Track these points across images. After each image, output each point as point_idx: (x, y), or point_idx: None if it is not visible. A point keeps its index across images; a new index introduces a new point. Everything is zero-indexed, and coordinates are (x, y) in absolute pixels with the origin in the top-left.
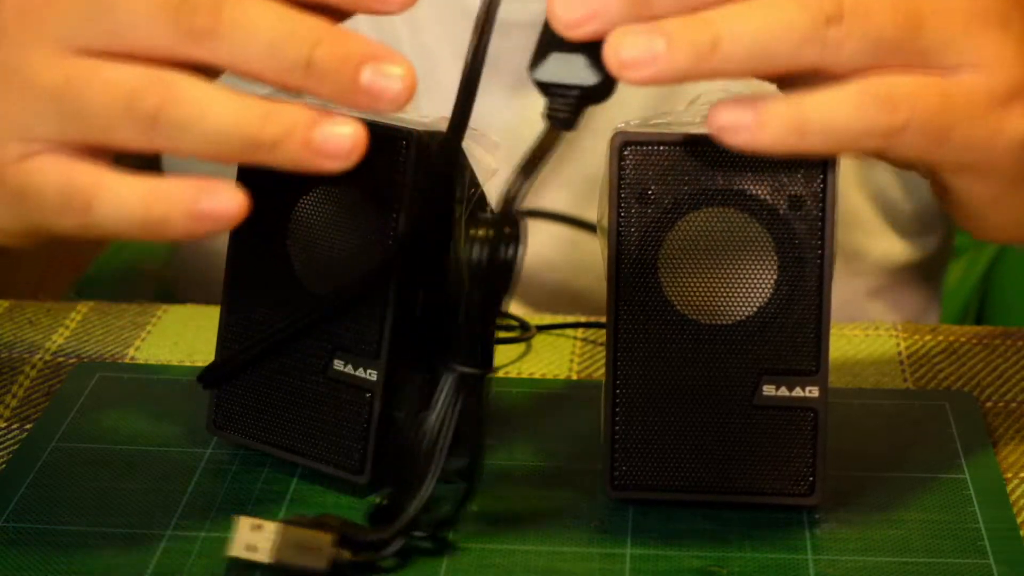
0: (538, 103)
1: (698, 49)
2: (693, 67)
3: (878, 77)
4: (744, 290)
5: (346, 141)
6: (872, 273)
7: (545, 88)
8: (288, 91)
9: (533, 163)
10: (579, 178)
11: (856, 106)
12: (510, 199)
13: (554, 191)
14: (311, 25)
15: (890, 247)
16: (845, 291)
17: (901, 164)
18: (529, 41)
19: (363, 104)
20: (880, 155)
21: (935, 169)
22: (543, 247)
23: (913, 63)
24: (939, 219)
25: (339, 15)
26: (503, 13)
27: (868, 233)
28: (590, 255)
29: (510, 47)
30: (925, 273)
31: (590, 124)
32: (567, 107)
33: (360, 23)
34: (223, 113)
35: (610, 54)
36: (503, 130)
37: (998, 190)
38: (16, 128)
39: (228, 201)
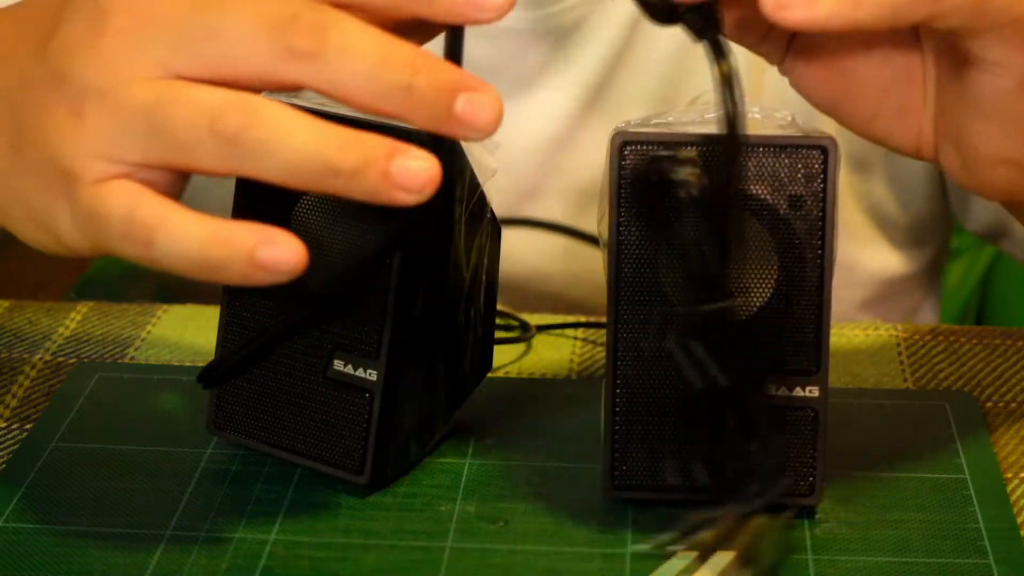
0: (535, 105)
1: None
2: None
3: None
4: (744, 290)
5: (422, 175)
6: (866, 285)
7: None
8: (367, 114)
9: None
10: (573, 189)
11: None
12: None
13: (549, 202)
14: (410, 52)
15: (885, 259)
16: (839, 302)
17: (941, 36)
18: (523, 47)
19: (455, 132)
20: (928, 23)
21: (976, 35)
22: (538, 257)
23: None
24: (934, 230)
25: (427, 31)
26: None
27: (863, 245)
28: (585, 265)
29: (506, 52)
30: (919, 284)
31: (584, 136)
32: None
33: None
34: (304, 138)
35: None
36: (499, 132)
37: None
38: (101, 147)
39: (286, 252)
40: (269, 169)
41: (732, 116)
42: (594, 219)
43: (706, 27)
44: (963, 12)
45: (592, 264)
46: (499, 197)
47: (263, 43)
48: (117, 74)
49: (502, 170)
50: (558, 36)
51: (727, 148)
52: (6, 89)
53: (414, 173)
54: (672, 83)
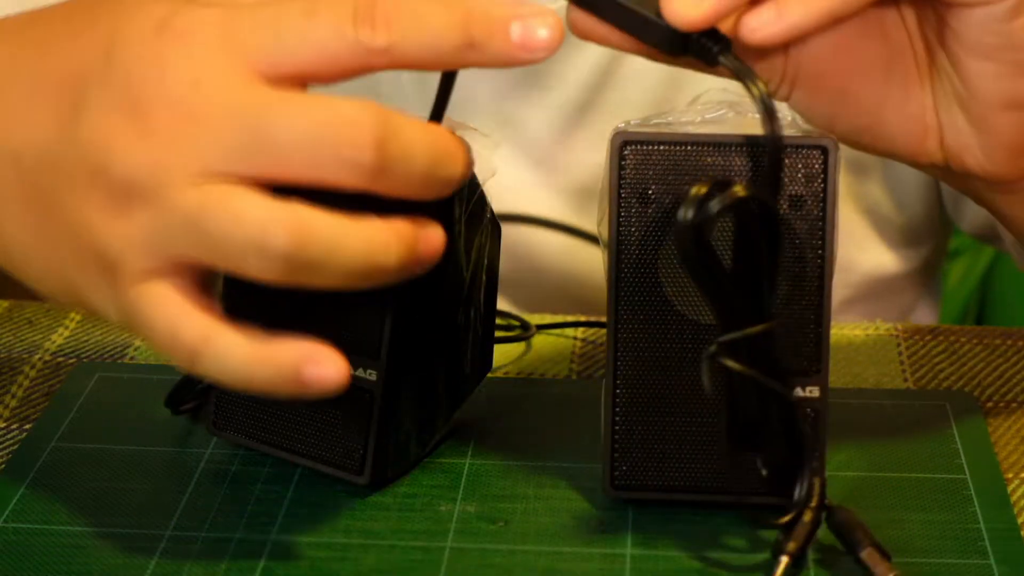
0: (527, 112)
1: None
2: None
3: None
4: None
5: (438, 248)
6: (860, 284)
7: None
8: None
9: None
10: (573, 187)
11: None
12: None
13: (548, 200)
14: (456, 2)
15: (880, 259)
16: (834, 302)
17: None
18: None
19: (524, 60)
20: None
21: None
22: (538, 254)
23: None
24: (929, 231)
25: None
26: None
27: (858, 245)
28: (585, 262)
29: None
30: (914, 283)
31: (583, 134)
32: None
33: None
34: (353, 251)
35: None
36: (496, 129)
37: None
38: (147, 244)
39: (330, 369)
40: (318, 282)
41: (776, 146)
42: (590, 218)
43: (722, 50)
44: None
45: (592, 262)
46: (499, 194)
47: (324, 150)
48: (164, 175)
49: (507, 162)
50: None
51: (772, 171)
52: (16, 154)
53: (435, 250)
54: (671, 83)
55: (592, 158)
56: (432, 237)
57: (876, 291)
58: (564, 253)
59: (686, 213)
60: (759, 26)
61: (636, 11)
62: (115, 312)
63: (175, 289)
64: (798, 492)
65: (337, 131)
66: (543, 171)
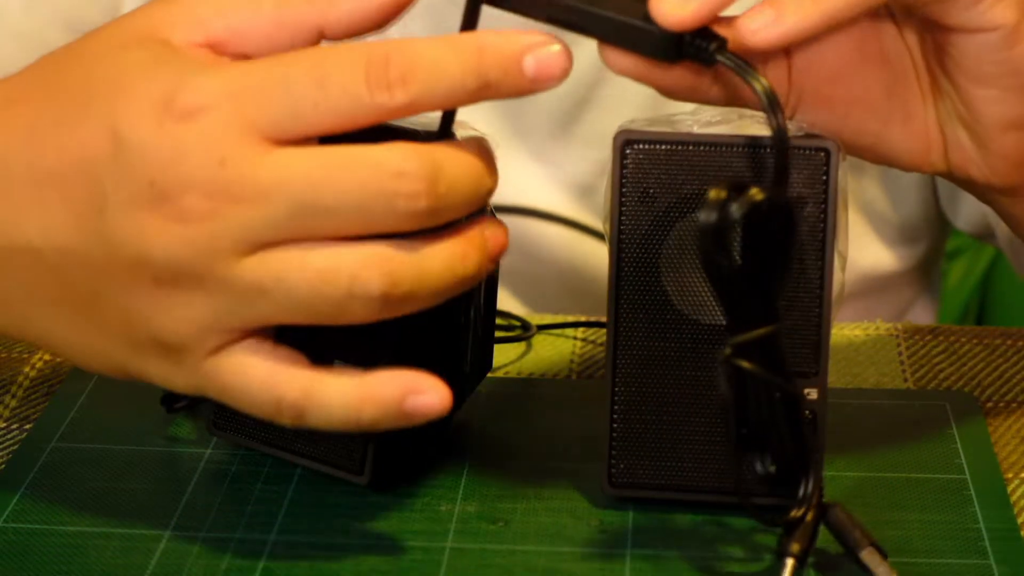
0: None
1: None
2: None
3: None
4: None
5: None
6: (857, 281)
7: None
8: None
9: None
10: (574, 180)
11: None
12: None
13: (549, 192)
14: (473, 48)
15: (876, 256)
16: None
17: (918, 21)
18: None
19: (539, 90)
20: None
21: (948, 6)
22: (539, 246)
23: None
24: (926, 229)
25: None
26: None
27: (854, 242)
28: (586, 255)
29: None
30: (911, 281)
31: (584, 126)
32: None
33: None
34: (439, 268)
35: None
36: (497, 121)
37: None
38: (210, 322)
39: (433, 398)
40: (410, 309)
41: (781, 139)
42: (592, 212)
43: (718, 48)
44: None
45: (594, 255)
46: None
47: (377, 207)
48: (212, 256)
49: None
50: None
51: (779, 165)
52: (34, 250)
53: (502, 246)
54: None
55: (593, 151)
56: (498, 233)
57: (874, 288)
58: (565, 246)
59: (709, 216)
60: (759, 27)
61: (624, 21)
62: (184, 385)
63: (257, 353)
64: (802, 492)
65: (386, 186)
66: (544, 163)
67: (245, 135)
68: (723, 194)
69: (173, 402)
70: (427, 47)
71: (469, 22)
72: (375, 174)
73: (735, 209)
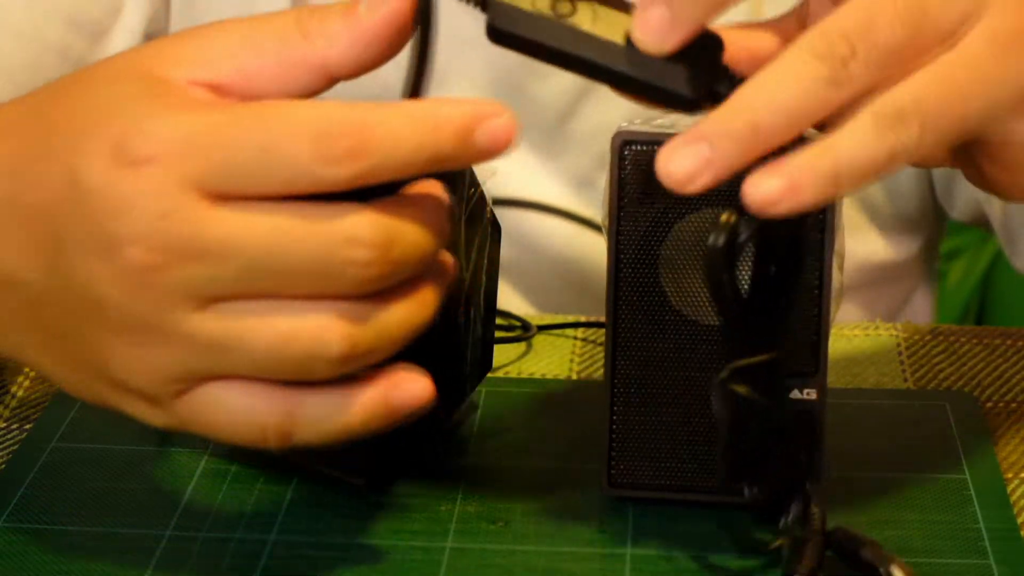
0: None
1: (741, 138)
2: (741, 157)
3: (880, 95)
4: (744, 290)
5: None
6: (855, 271)
7: None
8: None
9: None
10: (574, 172)
11: (875, 136)
12: None
13: (549, 185)
14: (424, 121)
15: (873, 246)
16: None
17: (943, 156)
18: None
19: (485, 160)
20: (917, 165)
21: (978, 134)
22: (540, 240)
23: (917, 49)
24: (923, 219)
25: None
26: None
27: (851, 232)
28: (586, 249)
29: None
30: (910, 272)
31: (583, 120)
32: None
33: None
34: (400, 319)
35: (666, 175)
36: None
37: None
38: (177, 372)
39: (415, 388)
40: (373, 361)
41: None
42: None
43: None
44: (946, 138)
45: (595, 248)
46: (501, 179)
47: (332, 269)
48: (166, 311)
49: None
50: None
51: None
52: (13, 283)
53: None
54: None
55: (593, 143)
56: (451, 264)
57: (872, 279)
58: (565, 239)
59: (717, 239)
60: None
61: (645, 81)
62: (164, 424)
63: (228, 387)
64: (792, 515)
65: (339, 253)
66: (543, 156)
67: (188, 189)
68: (733, 217)
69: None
70: (383, 118)
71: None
72: (328, 238)
73: (743, 233)
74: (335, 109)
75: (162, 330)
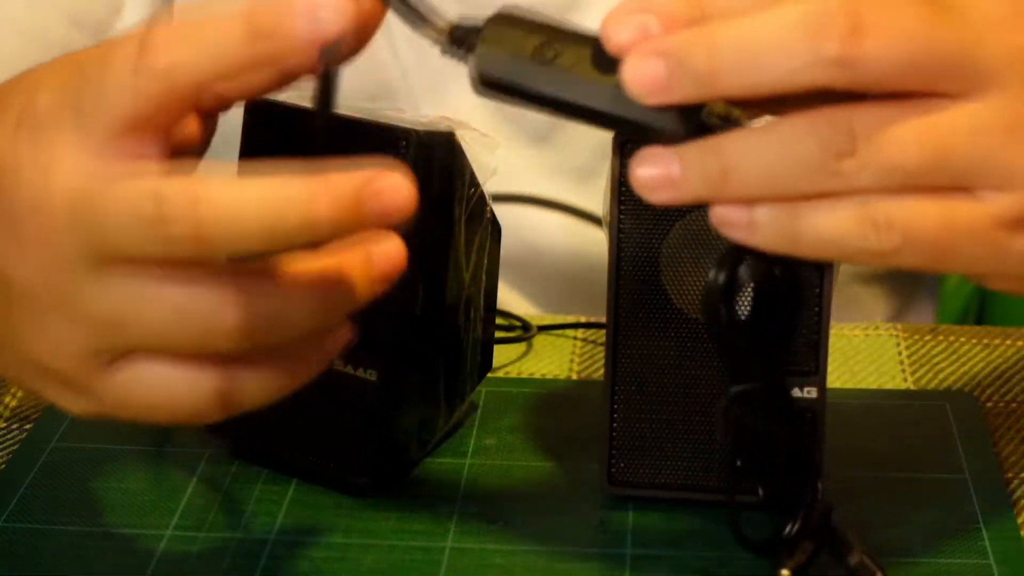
0: None
1: (709, 177)
2: (707, 194)
3: (879, 200)
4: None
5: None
6: (856, 275)
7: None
8: None
9: None
10: (573, 166)
11: (851, 228)
12: None
13: (548, 180)
14: (303, 189)
15: None
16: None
17: None
18: None
19: (377, 226)
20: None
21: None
22: (540, 235)
23: (932, 186)
24: None
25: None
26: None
27: None
28: (586, 243)
29: None
30: (910, 273)
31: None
32: None
33: None
34: (304, 299)
35: (633, 176)
36: (496, 110)
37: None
38: (82, 349)
39: (339, 341)
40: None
41: None
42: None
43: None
44: (917, 265)
45: (594, 243)
46: (499, 173)
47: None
48: (59, 280)
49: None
50: (553, 15)
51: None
52: None
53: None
54: None
55: (592, 136)
56: (389, 251)
57: (872, 280)
58: (564, 233)
59: (717, 277)
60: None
61: (636, 122)
62: (90, 411)
63: (156, 359)
64: (792, 525)
65: (144, 209)
66: (543, 148)
67: (77, 148)
68: (736, 255)
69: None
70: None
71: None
72: (134, 199)
73: (744, 273)
74: (169, 185)
75: (63, 302)
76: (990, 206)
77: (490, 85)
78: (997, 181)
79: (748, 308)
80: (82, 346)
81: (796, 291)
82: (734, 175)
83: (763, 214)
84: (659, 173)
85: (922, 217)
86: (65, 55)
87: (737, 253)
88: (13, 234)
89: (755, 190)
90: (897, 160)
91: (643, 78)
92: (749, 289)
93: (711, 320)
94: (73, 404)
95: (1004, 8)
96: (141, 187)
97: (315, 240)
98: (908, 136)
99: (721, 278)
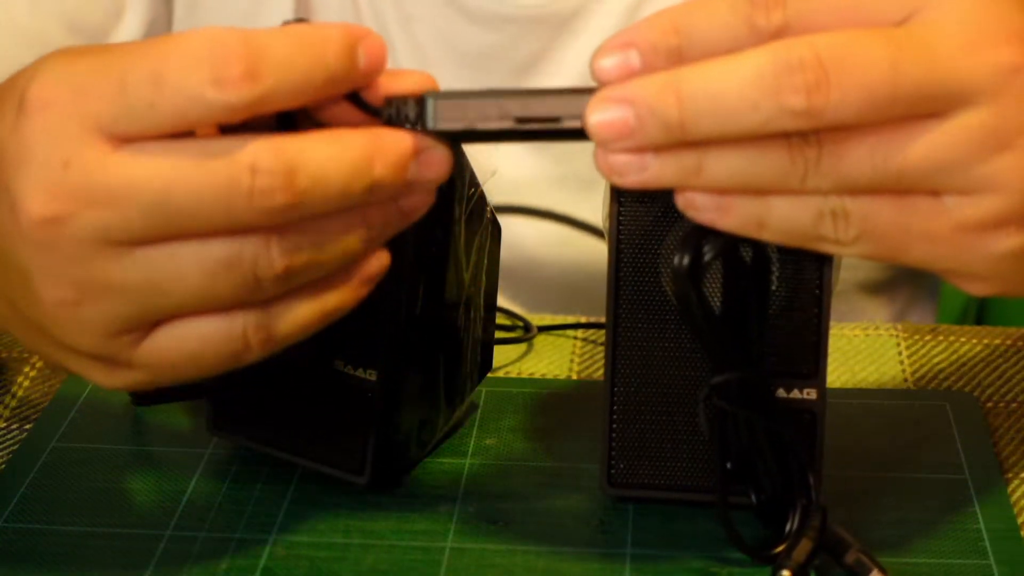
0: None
1: (684, 168)
2: (677, 183)
3: (837, 196)
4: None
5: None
6: (855, 281)
7: None
8: None
9: None
10: (570, 176)
11: (812, 219)
12: None
13: (546, 190)
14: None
15: None
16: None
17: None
18: (523, 35)
19: (367, 81)
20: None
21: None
22: (535, 245)
23: (891, 190)
24: None
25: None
26: (499, 7)
27: None
28: (582, 253)
29: (506, 40)
30: (910, 272)
31: None
32: None
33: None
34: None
35: (599, 161)
36: None
37: (991, 288)
38: (114, 325)
39: (378, 264)
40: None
41: None
42: (590, 207)
43: None
44: (877, 257)
45: (589, 253)
46: (497, 184)
47: (236, 204)
48: (78, 262)
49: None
50: (556, 24)
51: None
52: None
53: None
54: None
55: (591, 146)
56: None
57: (872, 280)
58: (563, 244)
59: (681, 259)
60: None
61: None
62: (129, 384)
63: (189, 317)
64: (791, 525)
65: (242, 182)
66: (542, 158)
67: (88, 133)
68: (696, 234)
69: (141, 397)
70: (273, 40)
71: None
72: (227, 172)
73: (708, 251)
74: (226, 33)
75: (87, 284)
76: (952, 210)
77: (457, 137)
78: (961, 188)
79: (720, 294)
80: (114, 323)
81: (766, 274)
82: (706, 173)
83: (731, 200)
84: (635, 159)
85: (877, 215)
86: (61, 50)
87: (699, 233)
88: (15, 214)
89: (725, 185)
90: (853, 175)
91: (611, 125)
92: (718, 272)
93: (682, 305)
94: (104, 378)
95: (981, 26)
96: (236, 160)
97: (345, 85)
98: (864, 155)
99: (686, 260)
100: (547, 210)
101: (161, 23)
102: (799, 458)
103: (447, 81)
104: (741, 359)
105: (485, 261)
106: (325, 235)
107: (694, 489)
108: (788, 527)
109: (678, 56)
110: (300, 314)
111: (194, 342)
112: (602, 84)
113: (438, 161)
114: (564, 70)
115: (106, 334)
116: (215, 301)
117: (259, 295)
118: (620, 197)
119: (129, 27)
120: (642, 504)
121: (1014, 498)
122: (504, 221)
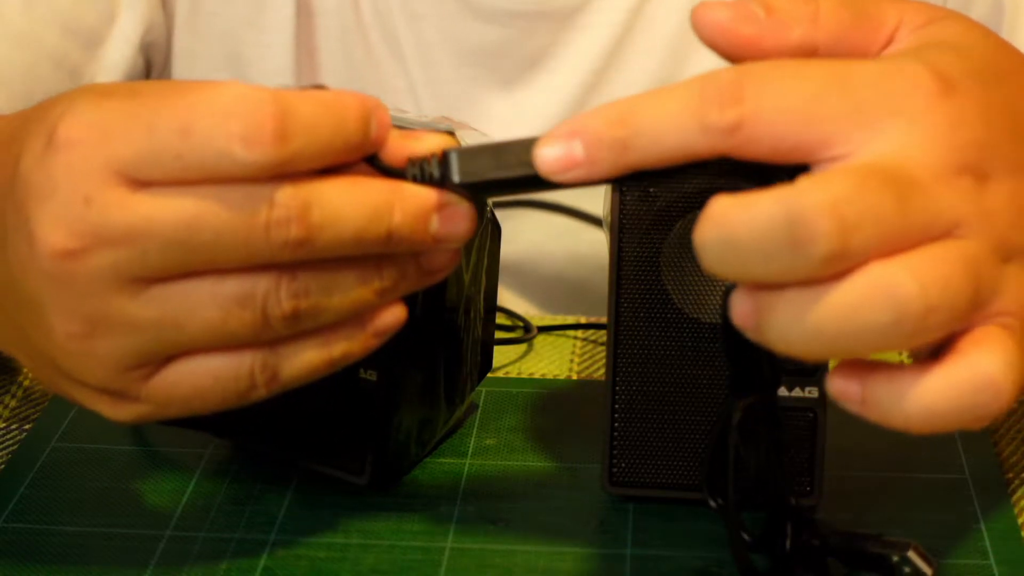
0: (539, 87)
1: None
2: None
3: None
4: None
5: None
6: None
7: None
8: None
9: None
10: None
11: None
12: None
13: None
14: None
15: None
16: None
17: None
18: (528, 30)
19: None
20: None
21: None
22: (539, 238)
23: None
24: None
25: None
26: (504, 2)
27: None
28: (587, 246)
29: (512, 35)
30: None
31: None
32: None
33: (355, 20)
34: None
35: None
36: (498, 121)
37: None
38: (127, 361)
39: (392, 318)
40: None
41: None
42: (594, 200)
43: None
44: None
45: (594, 245)
46: None
47: (255, 238)
48: (94, 298)
49: None
50: (562, 18)
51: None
52: None
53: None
54: (675, 64)
55: None
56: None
57: None
58: (565, 236)
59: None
60: (568, 166)
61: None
62: (135, 417)
63: (199, 354)
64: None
65: (259, 215)
66: None
67: (110, 174)
68: None
69: None
70: (300, 103)
71: None
72: (244, 207)
73: None
74: (256, 91)
75: (101, 319)
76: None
77: (478, 189)
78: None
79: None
80: (127, 359)
81: None
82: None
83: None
84: (564, 151)
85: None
86: (92, 86)
87: None
88: (33, 246)
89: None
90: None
91: (556, 157)
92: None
93: (728, 330)
94: (111, 410)
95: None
96: (255, 195)
97: (358, 153)
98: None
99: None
100: (550, 202)
101: (159, 28)
102: (804, 453)
103: (452, 77)
104: (771, 374)
105: (485, 261)
106: (337, 281)
107: (695, 488)
108: (790, 529)
109: (623, 148)
110: (306, 358)
111: (204, 378)
112: (543, 175)
113: (462, 216)
114: (570, 65)
115: (117, 369)
116: (227, 338)
117: (268, 334)
118: (622, 197)
119: (124, 30)
120: (642, 504)
121: (1014, 498)
122: (509, 214)
